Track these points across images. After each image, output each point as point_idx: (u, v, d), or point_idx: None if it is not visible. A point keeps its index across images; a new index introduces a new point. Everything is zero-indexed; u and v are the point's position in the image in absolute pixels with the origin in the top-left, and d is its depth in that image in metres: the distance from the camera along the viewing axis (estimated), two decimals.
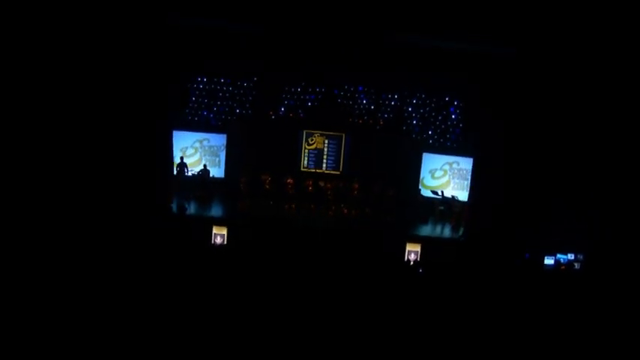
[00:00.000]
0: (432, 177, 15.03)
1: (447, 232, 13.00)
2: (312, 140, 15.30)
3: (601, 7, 9.15)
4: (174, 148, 14.36)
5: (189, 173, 14.21)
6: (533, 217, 11.72)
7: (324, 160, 15.38)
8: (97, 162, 10.83)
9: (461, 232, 12.77)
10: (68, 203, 9.80)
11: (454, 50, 11.94)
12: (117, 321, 4.82)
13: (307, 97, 14.75)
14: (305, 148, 15.30)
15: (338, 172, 15.26)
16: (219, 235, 11.18)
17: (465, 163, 14.61)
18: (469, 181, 14.50)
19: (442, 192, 14.21)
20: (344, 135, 15.14)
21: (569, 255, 11.08)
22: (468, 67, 12.27)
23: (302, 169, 15.24)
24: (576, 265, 11.03)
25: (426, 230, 12.95)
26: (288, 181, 13.92)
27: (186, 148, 14.71)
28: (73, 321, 4.73)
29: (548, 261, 11.07)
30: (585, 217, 11.51)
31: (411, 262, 10.91)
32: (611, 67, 10.44)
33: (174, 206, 12.24)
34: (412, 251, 11.22)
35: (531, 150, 11.77)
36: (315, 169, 15.26)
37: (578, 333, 5.98)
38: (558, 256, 11.08)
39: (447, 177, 14.91)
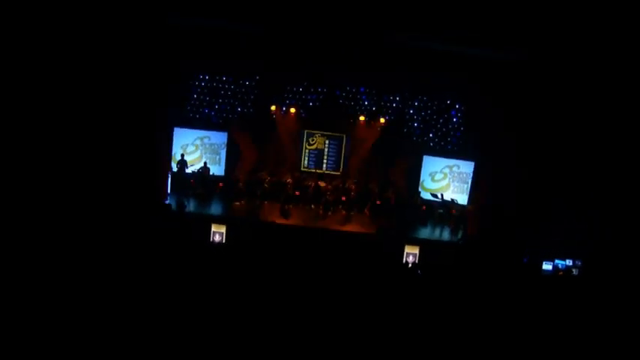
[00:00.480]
0: (432, 180, 15.04)
1: (445, 235, 13.00)
2: (312, 140, 15.31)
3: (605, 12, 9.15)
4: (174, 145, 14.41)
5: (190, 170, 14.22)
6: (532, 222, 11.72)
7: (325, 161, 15.40)
8: (96, 159, 10.86)
9: (460, 236, 12.77)
10: (66, 200, 9.81)
11: (456, 53, 11.94)
12: (115, 319, 4.81)
13: (309, 97, 14.76)
14: (306, 148, 15.31)
15: (338, 173, 15.28)
16: (218, 233, 11.15)
17: (465, 167, 14.62)
18: (469, 185, 14.51)
19: (442, 195, 14.20)
20: (345, 136, 15.16)
21: (567, 261, 11.07)
22: (469, 69, 12.26)
23: (302, 169, 15.27)
24: (574, 271, 11.02)
25: (424, 233, 12.95)
26: (288, 180, 13.92)
27: (187, 145, 14.72)
28: (72, 319, 4.72)
29: (546, 266, 11.06)
30: (584, 223, 11.51)
31: (410, 265, 10.90)
32: (608, 69, 10.45)
33: (173, 203, 12.24)
34: (410, 253, 11.20)
35: (531, 155, 11.78)
36: (316, 169, 15.28)
37: (574, 339, 5.99)
38: (556, 261, 11.06)
39: (446, 180, 14.92)
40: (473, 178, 14.27)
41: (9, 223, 7.80)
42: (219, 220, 11.49)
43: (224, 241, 11.08)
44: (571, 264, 11.05)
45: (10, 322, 4.46)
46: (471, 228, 13.08)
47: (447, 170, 14.88)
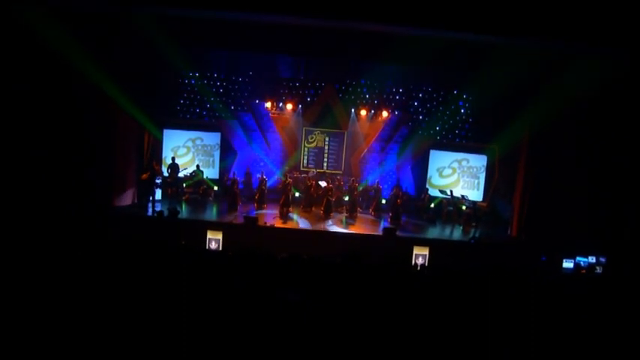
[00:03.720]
0: (440, 175, 14.28)
1: (456, 234, 12.24)
2: (312, 138, 14.60)
3: None
4: (164, 148, 13.70)
5: (182, 174, 13.44)
6: (551, 217, 10.99)
7: (325, 159, 14.69)
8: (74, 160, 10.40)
9: (472, 234, 12.02)
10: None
11: (461, 41, 11.16)
12: (109, 327, 4.36)
13: (306, 91, 14.03)
14: (305, 146, 14.59)
15: (340, 172, 14.57)
16: (214, 239, 10.45)
17: (476, 161, 13.86)
18: (480, 180, 13.78)
19: (451, 191, 13.45)
20: (346, 132, 14.43)
21: (590, 258, 10.31)
22: (477, 60, 11.46)
23: (302, 168, 14.57)
24: (598, 269, 10.24)
25: (434, 232, 12.21)
26: (288, 181, 13.18)
27: (178, 147, 13.95)
28: (66, 324, 4.28)
29: (567, 264, 10.29)
30: (609, 215, 10.78)
31: (419, 267, 10.18)
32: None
33: (165, 210, 11.52)
34: (420, 255, 10.48)
35: (549, 148, 11.10)
36: (316, 168, 14.56)
37: (597, 345, 5.32)
38: (578, 258, 10.30)
39: (456, 175, 14.16)
40: (486, 173, 13.61)
41: None
42: (214, 227, 10.76)
43: (220, 248, 10.36)
44: (594, 261, 10.29)
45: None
46: (484, 226, 12.40)
47: (455, 165, 14.13)
